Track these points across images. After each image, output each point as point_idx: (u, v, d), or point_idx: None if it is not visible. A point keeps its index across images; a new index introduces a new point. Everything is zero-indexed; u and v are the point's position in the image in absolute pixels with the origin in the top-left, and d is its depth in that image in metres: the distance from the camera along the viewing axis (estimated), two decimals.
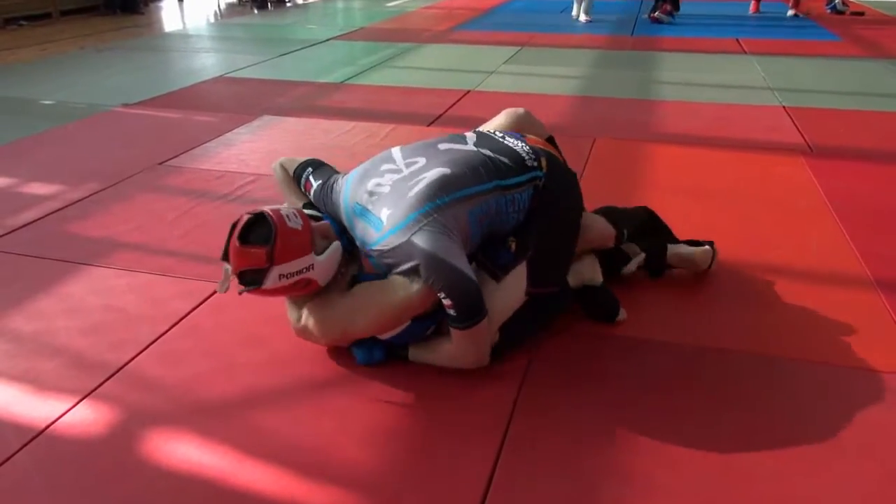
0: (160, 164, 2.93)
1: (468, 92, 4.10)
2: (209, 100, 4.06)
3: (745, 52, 5.27)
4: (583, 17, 6.84)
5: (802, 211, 2.40)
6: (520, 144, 1.67)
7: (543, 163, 1.65)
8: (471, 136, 1.71)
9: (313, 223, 1.54)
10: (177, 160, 2.98)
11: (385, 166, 1.62)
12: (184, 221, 2.36)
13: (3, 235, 2.28)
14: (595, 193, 2.16)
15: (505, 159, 1.60)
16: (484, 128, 1.88)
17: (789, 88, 4.12)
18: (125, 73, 4.78)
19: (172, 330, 1.75)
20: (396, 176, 1.57)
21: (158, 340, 1.71)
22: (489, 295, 1.52)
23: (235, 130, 3.38)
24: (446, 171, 1.54)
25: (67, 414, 1.45)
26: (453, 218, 1.48)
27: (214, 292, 1.88)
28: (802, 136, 3.21)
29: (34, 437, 1.39)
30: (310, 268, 1.45)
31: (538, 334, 1.67)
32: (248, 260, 1.40)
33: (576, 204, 1.74)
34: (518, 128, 1.86)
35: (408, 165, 1.59)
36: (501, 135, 1.72)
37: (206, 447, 1.36)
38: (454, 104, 3.83)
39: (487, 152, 1.61)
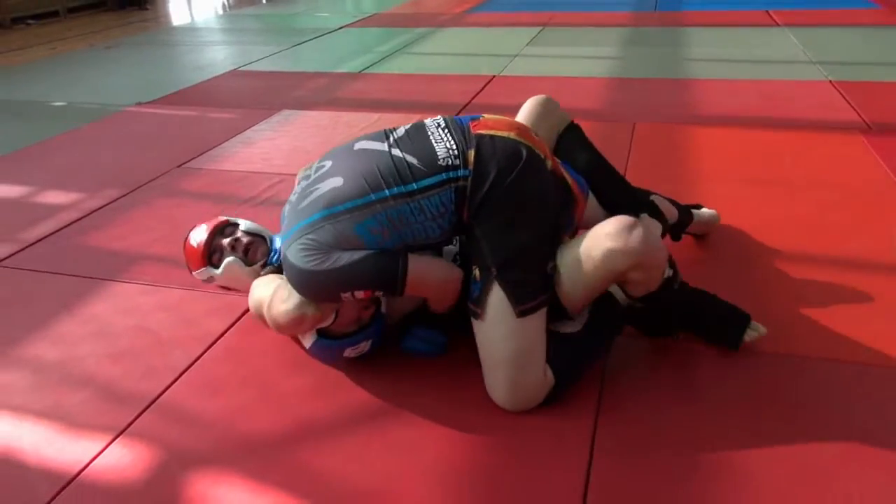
0: (179, 166, 2.79)
1: (493, 77, 3.92)
2: (225, 95, 3.90)
3: (778, 25, 5.04)
4: None
5: (874, 197, 2.21)
6: (445, 140, 1.40)
7: (470, 157, 1.37)
8: (399, 131, 1.47)
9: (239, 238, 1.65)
10: (196, 161, 2.84)
11: (307, 171, 1.55)
12: None
13: (18, 251, 2.15)
14: (645, 184, 1.99)
15: (413, 160, 1.38)
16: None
17: (833, 61, 3.90)
18: (136, 71, 4.64)
19: (208, 353, 1.61)
20: (305, 182, 1.48)
21: (194, 366, 1.57)
22: (491, 336, 1.35)
23: (255, 127, 3.23)
24: (338, 183, 1.39)
25: (101, 455, 1.32)
26: (333, 234, 1.34)
27: (249, 309, 1.75)
28: (857, 112, 3.01)
29: (66, 483, 1.26)
30: (210, 278, 1.67)
31: (597, 362, 1.46)
32: None
33: (531, 188, 1.39)
34: (545, 115, 1.73)
35: (317, 169, 1.49)
36: (436, 127, 1.45)
37: (258, 491, 1.22)
38: (481, 91, 3.66)
39: (397, 153, 1.40)
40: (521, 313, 1.32)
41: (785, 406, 1.36)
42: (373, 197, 1.35)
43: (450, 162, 1.37)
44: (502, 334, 1.34)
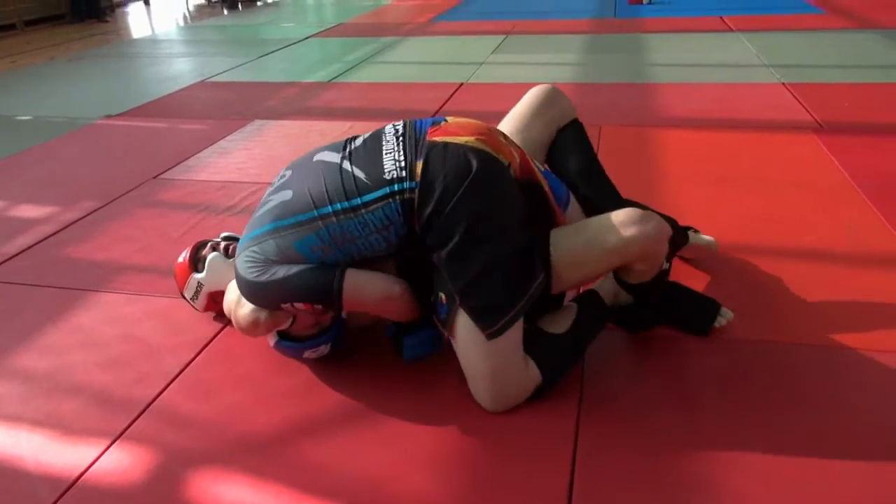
0: (155, 177, 2.80)
1: (461, 85, 4.01)
2: (195, 107, 3.91)
3: (732, 30, 5.24)
4: None
5: (827, 191, 2.35)
6: (395, 151, 1.38)
7: (417, 169, 1.34)
8: (358, 140, 1.46)
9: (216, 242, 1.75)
10: (172, 172, 2.85)
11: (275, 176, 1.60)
12: (191, 238, 2.23)
13: None
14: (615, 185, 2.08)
15: (361, 174, 1.37)
16: (512, 111, 1.72)
17: (785, 64, 4.08)
18: (102, 83, 4.61)
19: (198, 358, 1.64)
20: (270, 188, 1.52)
21: (185, 371, 1.60)
22: (466, 356, 1.38)
23: (229, 137, 3.25)
24: (287, 196, 1.41)
25: (101, 459, 1.34)
26: (276, 248, 1.37)
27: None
28: (809, 112, 3.17)
29: (68, 488, 1.28)
30: (198, 286, 1.71)
31: (580, 358, 1.52)
32: None
33: (484, 203, 1.33)
34: (546, 106, 1.68)
35: (279, 178, 1.52)
36: (393, 135, 1.43)
37: (258, 487, 1.26)
38: (450, 97, 3.74)
39: (347, 166, 1.39)
40: (490, 336, 1.33)
41: (758, 391, 1.45)
42: (315, 213, 1.36)
43: (395, 175, 1.35)
44: (478, 355, 1.36)
